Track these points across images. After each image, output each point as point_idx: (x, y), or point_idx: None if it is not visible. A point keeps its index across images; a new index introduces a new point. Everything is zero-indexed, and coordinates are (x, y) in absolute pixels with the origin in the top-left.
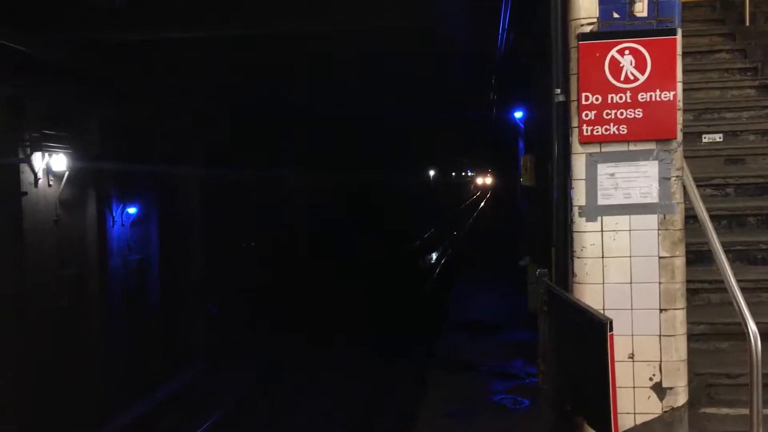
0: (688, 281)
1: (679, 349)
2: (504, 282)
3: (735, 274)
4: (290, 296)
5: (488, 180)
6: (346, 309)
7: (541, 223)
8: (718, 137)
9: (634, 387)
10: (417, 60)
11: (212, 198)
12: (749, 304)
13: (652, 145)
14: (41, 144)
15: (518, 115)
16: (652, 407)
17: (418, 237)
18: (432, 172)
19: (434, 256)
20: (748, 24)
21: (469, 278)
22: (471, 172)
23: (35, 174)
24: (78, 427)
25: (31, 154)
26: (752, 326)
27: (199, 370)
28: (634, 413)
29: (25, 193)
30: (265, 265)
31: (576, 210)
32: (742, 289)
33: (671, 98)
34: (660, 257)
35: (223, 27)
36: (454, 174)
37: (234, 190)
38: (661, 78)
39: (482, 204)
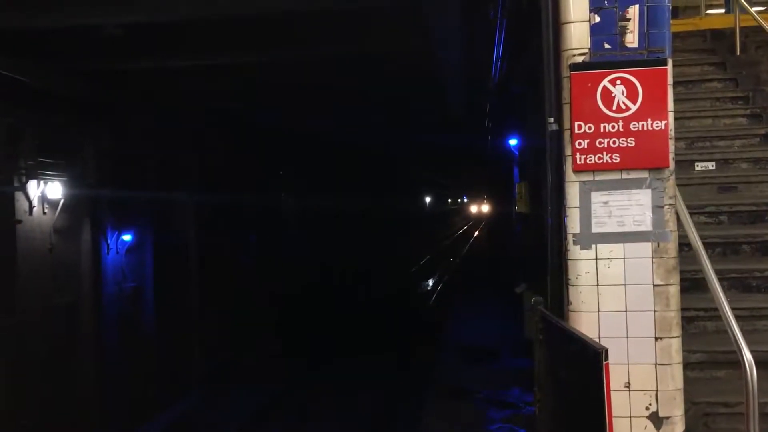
0: (683, 309)
1: (675, 377)
2: (500, 308)
3: (730, 302)
4: (285, 321)
5: (484, 207)
6: (343, 333)
7: (536, 250)
8: (710, 165)
9: (630, 416)
10: (413, 88)
11: (208, 225)
12: (745, 332)
13: (644, 174)
14: (36, 172)
15: (513, 142)
16: None
17: (415, 263)
18: (428, 199)
19: (431, 282)
20: (738, 53)
21: (466, 304)
22: (467, 199)
23: (30, 202)
24: None
25: (27, 182)
26: (747, 354)
27: (197, 397)
28: None
29: (20, 221)
30: (263, 291)
31: (570, 238)
32: (738, 317)
33: (663, 127)
34: (654, 285)
35: (221, 55)
36: (450, 201)
37: (230, 218)
38: (652, 107)
39: (478, 231)
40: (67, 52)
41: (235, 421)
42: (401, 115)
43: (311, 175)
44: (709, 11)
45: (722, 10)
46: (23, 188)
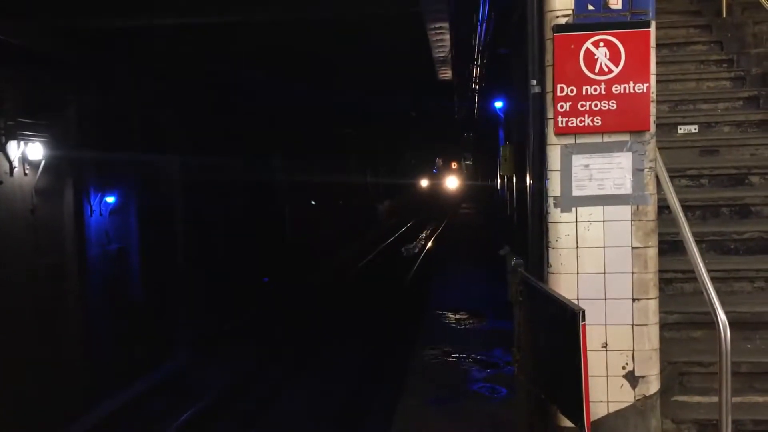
0: (661, 271)
1: (651, 338)
2: (485, 271)
3: (708, 264)
4: (264, 283)
5: (472, 170)
6: (327, 296)
7: (519, 213)
8: (693, 128)
9: (607, 376)
10: (398, 49)
11: (194, 188)
12: (722, 294)
13: (625, 137)
14: (17, 132)
15: (498, 105)
16: (624, 396)
17: (402, 225)
18: (414, 161)
19: (416, 245)
20: (725, 16)
21: (451, 267)
22: (456, 161)
23: (11, 163)
24: (58, 415)
25: (6, 142)
26: (721, 315)
27: (183, 359)
28: (607, 402)
29: (0, 182)
30: (248, 254)
31: (551, 201)
32: (716, 279)
33: (645, 90)
34: (633, 248)
35: (209, 14)
36: (439, 162)
37: (216, 181)
38: (635, 70)
39: (465, 194)
40: (51, 10)
41: (222, 380)
42: (389, 81)
43: (299, 146)
44: None
45: None
46: (3, 149)
